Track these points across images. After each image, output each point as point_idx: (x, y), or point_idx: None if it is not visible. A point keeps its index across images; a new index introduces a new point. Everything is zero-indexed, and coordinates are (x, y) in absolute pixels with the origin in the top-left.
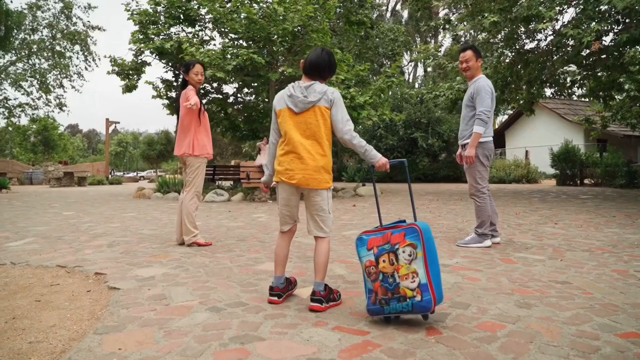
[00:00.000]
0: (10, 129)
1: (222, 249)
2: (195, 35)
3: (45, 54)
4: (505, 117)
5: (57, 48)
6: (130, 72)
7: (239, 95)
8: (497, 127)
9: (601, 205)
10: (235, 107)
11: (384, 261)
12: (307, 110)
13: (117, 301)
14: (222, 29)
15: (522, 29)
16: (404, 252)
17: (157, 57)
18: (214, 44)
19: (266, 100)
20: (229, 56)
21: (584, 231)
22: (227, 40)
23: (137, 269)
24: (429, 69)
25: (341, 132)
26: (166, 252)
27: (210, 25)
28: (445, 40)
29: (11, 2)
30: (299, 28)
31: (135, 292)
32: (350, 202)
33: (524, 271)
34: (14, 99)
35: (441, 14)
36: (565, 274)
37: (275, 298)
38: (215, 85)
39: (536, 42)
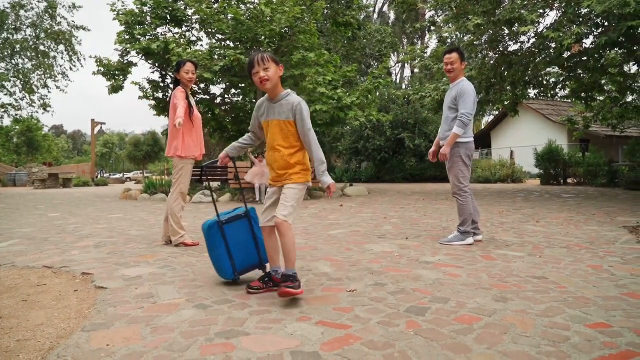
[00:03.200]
0: None
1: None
2: (183, 36)
3: (29, 54)
4: (492, 117)
5: (41, 48)
6: (117, 72)
7: (226, 96)
8: (482, 127)
9: (582, 204)
10: (222, 108)
11: None
12: None
13: (105, 300)
14: (209, 30)
15: (506, 32)
16: None
17: (143, 57)
18: (202, 45)
19: (254, 101)
20: (216, 57)
21: (564, 229)
22: (214, 41)
23: (124, 268)
24: (416, 70)
25: None
26: (153, 252)
27: (197, 26)
28: (432, 42)
29: None
30: (287, 29)
31: (123, 291)
32: (338, 202)
33: (504, 267)
34: None
35: (427, 15)
36: (543, 270)
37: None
38: (202, 86)
39: (519, 44)
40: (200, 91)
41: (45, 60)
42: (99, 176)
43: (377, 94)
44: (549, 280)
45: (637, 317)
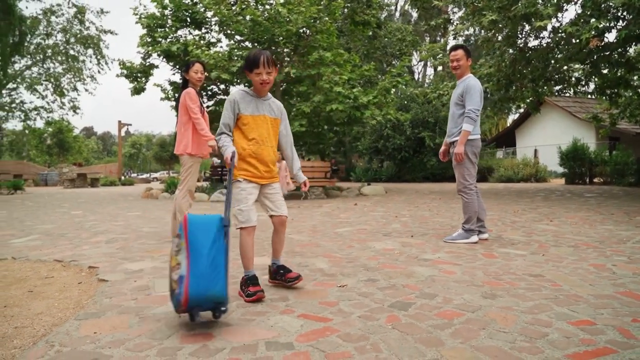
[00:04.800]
0: (27, 131)
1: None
2: (202, 38)
3: (60, 58)
4: (517, 115)
5: (71, 52)
6: (139, 74)
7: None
8: (507, 125)
9: (603, 203)
10: None
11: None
12: None
13: (103, 292)
14: (228, 31)
15: (526, 27)
16: (173, 242)
17: (164, 59)
18: (221, 46)
19: None
20: (235, 58)
21: (577, 228)
22: (233, 42)
23: (128, 263)
24: (439, 68)
25: None
26: (160, 248)
27: (216, 28)
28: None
29: (26, 7)
30: (304, 29)
31: (122, 284)
32: (353, 201)
33: (502, 265)
34: (30, 103)
35: (449, 12)
36: (541, 268)
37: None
38: (222, 86)
39: (538, 40)
40: (220, 92)
41: (75, 63)
42: (127, 176)
43: (398, 92)
44: (544, 278)
45: (625, 315)
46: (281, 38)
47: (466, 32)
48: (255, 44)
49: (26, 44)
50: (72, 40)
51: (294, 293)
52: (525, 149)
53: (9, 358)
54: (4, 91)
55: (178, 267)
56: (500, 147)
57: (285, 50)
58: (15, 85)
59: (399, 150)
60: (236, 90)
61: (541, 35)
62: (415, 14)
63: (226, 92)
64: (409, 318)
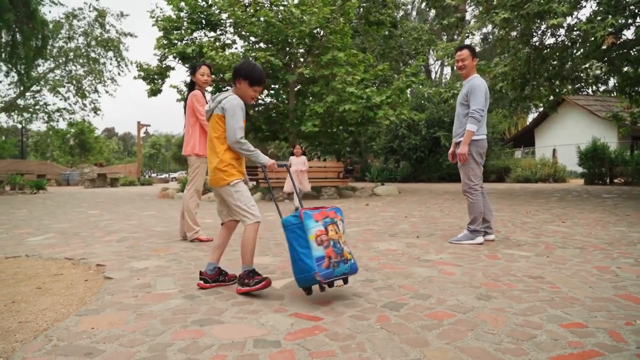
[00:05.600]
0: (50, 132)
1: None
2: (217, 40)
3: (81, 61)
4: (537, 114)
5: (92, 55)
6: (155, 76)
7: (259, 97)
8: (527, 124)
9: (621, 204)
10: (256, 109)
11: (332, 230)
12: (211, 116)
13: (107, 289)
14: (243, 33)
15: (537, 25)
16: (340, 223)
17: (180, 61)
18: (236, 48)
19: (286, 101)
20: (250, 59)
21: (588, 229)
22: (247, 43)
23: (135, 261)
24: (455, 67)
25: (229, 140)
26: (167, 247)
27: (231, 30)
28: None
29: (49, 12)
30: (317, 30)
31: (125, 282)
32: (365, 201)
33: (503, 267)
34: (53, 104)
35: (468, 10)
36: (543, 270)
37: (202, 282)
38: None
39: (555, 37)
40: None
41: (96, 66)
42: (146, 176)
43: (412, 92)
44: (544, 280)
45: (619, 318)
46: (294, 39)
47: (484, 30)
48: (269, 45)
49: (49, 47)
50: (93, 43)
51: (290, 292)
52: (544, 149)
53: (10, 351)
54: (28, 93)
55: (347, 243)
56: (518, 146)
57: (300, 51)
58: (39, 88)
59: (414, 150)
60: (235, 96)
61: (557, 33)
62: (432, 13)
63: None
64: (399, 318)
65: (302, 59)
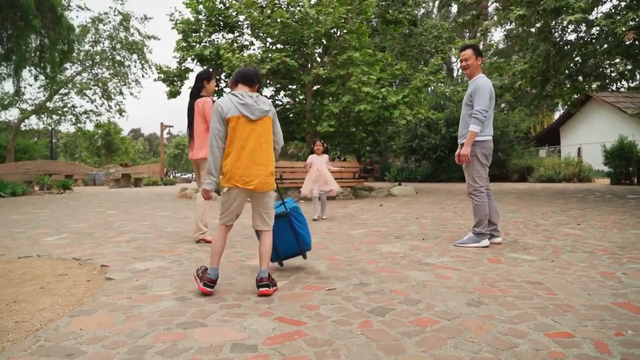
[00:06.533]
0: (79, 134)
1: (226, 245)
2: (235, 41)
3: (107, 64)
4: (562, 112)
5: (117, 58)
6: (175, 78)
7: (276, 97)
8: (552, 122)
9: None
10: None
11: None
12: (261, 119)
13: (104, 290)
14: (259, 34)
15: (557, 21)
16: None
17: (198, 63)
18: (254, 49)
19: (304, 102)
20: (267, 60)
21: (603, 232)
22: (264, 44)
23: (138, 262)
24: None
25: (276, 144)
26: (173, 248)
27: (248, 31)
28: (488, 36)
29: (77, 17)
30: (334, 30)
31: (124, 283)
32: (380, 202)
33: (503, 271)
34: (80, 107)
35: (490, 8)
36: (544, 275)
37: (210, 289)
38: None
39: (576, 34)
40: None
41: (121, 68)
42: (170, 176)
43: (432, 91)
44: (542, 286)
45: (610, 328)
46: (310, 39)
47: (507, 27)
48: (286, 46)
49: (76, 52)
50: (118, 46)
51: (280, 296)
52: (569, 147)
53: (0, 350)
54: (56, 96)
55: None
56: (543, 145)
57: (317, 51)
58: (67, 91)
59: (434, 150)
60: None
61: (579, 28)
62: (454, 10)
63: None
64: (382, 324)
65: (318, 59)
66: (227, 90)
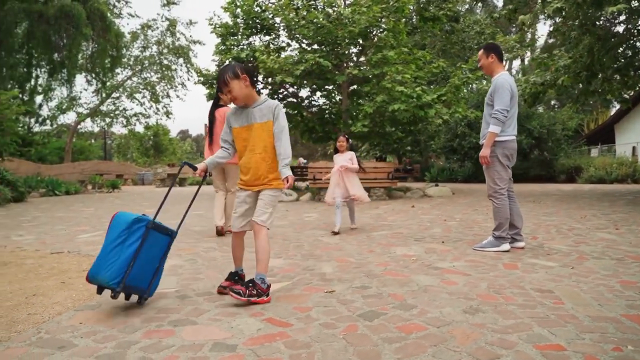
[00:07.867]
0: (130, 135)
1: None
2: (272, 43)
3: (155, 68)
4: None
5: (164, 62)
6: (214, 81)
7: (312, 98)
8: (606, 119)
9: None
10: (310, 110)
11: None
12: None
13: None
14: (296, 36)
15: (600, 13)
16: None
17: None
18: (290, 50)
19: (339, 102)
20: (303, 61)
21: None
22: (300, 46)
23: None
24: (526, 62)
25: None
26: (193, 247)
27: (284, 33)
28: (536, 32)
29: (127, 24)
30: (369, 29)
31: None
32: (413, 202)
33: (515, 278)
34: (130, 109)
35: (538, 3)
36: (558, 283)
37: (236, 295)
38: (291, 89)
39: (623, 25)
40: (290, 95)
41: (168, 72)
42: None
43: (474, 88)
44: (552, 294)
45: (609, 342)
46: (345, 39)
47: (550, 22)
48: (322, 47)
49: (126, 57)
50: (165, 51)
51: (277, 297)
52: (624, 146)
53: (5, 340)
54: (109, 100)
55: None
56: (596, 144)
57: (353, 51)
58: (118, 95)
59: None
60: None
61: (626, 19)
62: (501, 3)
63: (295, 95)
64: (367, 329)
65: (355, 59)
66: (264, 92)
